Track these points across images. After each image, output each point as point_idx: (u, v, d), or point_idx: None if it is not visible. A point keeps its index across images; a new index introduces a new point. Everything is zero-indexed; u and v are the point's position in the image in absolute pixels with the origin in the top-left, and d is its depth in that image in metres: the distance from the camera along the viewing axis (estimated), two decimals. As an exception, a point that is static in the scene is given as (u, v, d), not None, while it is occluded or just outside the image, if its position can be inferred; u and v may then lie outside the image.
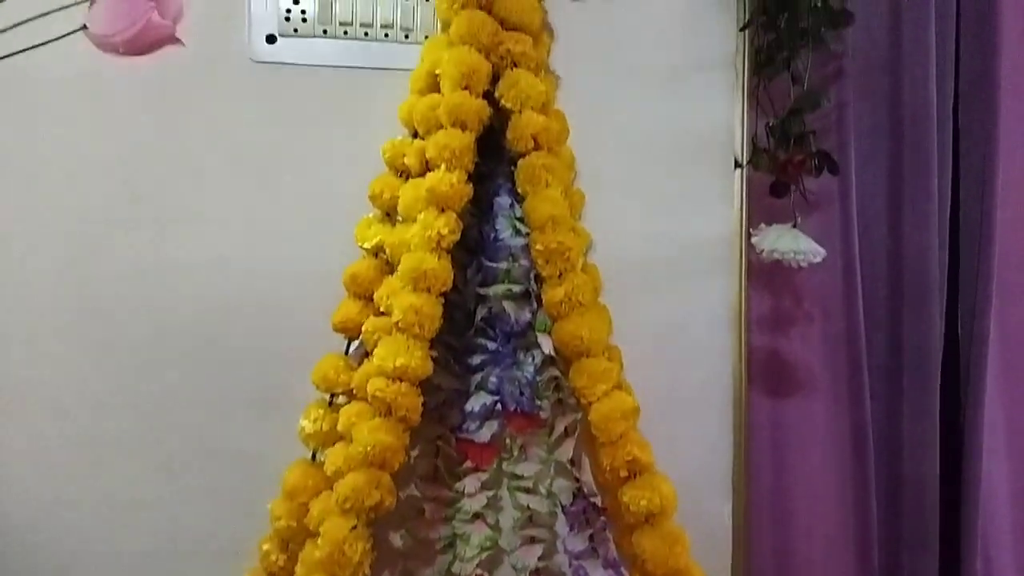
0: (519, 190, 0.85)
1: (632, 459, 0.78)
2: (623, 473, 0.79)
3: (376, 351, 0.78)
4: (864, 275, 1.16)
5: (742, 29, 0.97)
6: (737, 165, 1.01)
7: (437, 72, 0.85)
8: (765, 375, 1.13)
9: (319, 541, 0.72)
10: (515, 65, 0.85)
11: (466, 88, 0.82)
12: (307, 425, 0.84)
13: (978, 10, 1.19)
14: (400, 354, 0.75)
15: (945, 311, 1.18)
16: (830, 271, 1.10)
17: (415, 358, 0.76)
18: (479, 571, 0.87)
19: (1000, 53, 1.19)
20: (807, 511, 1.16)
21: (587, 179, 0.96)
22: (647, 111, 0.98)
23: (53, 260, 0.90)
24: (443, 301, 0.81)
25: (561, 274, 0.82)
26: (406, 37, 0.94)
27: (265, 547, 0.84)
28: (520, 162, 0.84)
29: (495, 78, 0.85)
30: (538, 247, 0.82)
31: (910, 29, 1.16)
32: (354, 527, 0.71)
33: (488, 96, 0.85)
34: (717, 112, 1.00)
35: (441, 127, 0.83)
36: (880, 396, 1.18)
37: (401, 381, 0.75)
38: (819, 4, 0.91)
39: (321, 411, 0.85)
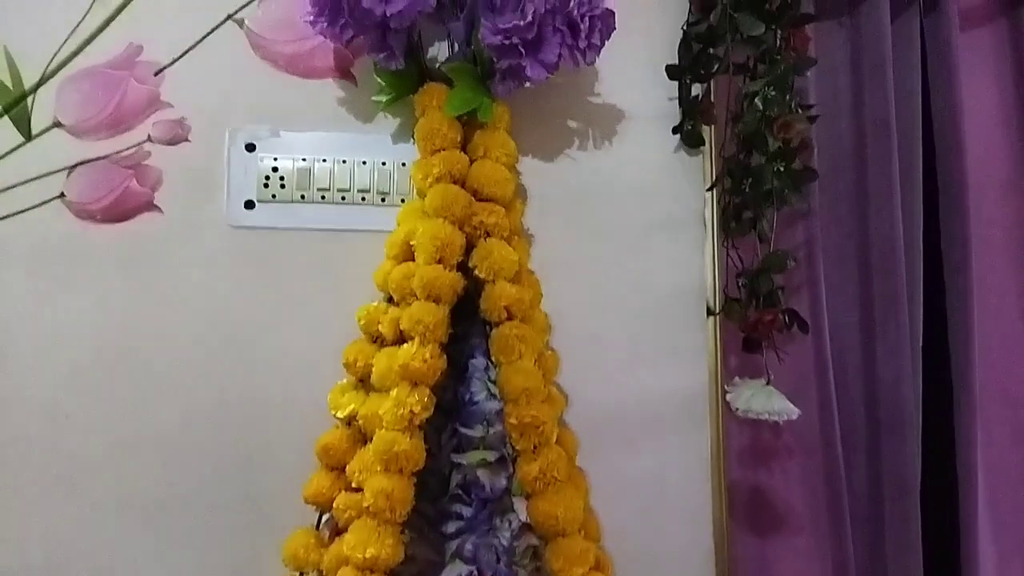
0: (492, 359, 0.86)
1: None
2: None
3: (347, 537, 0.76)
4: (841, 405, 1.17)
5: (709, 189, 1.00)
6: (710, 313, 1.02)
7: (412, 242, 0.86)
8: (747, 513, 1.12)
9: None
10: (488, 235, 0.87)
11: (440, 261, 0.84)
12: (277, 606, 0.82)
13: (945, 137, 1.24)
14: (371, 544, 0.74)
15: (937, 443, 1.19)
16: (807, 405, 1.11)
17: (386, 547, 0.74)
18: None
19: (968, 181, 1.23)
20: None
21: (562, 337, 0.96)
22: (619, 267, 1.00)
23: (26, 427, 0.89)
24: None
25: (535, 448, 0.81)
26: (383, 200, 0.96)
27: None
28: (493, 333, 0.85)
29: (469, 246, 0.87)
30: (512, 421, 0.82)
31: (875, 155, 1.20)
32: None
33: (463, 264, 0.87)
34: (688, 265, 1.02)
35: (415, 297, 0.84)
36: (863, 527, 1.17)
37: (371, 572, 0.74)
38: (782, 169, 0.94)
39: (291, 592, 0.82)
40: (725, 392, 0.99)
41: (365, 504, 0.76)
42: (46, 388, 0.90)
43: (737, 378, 0.99)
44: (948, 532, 1.19)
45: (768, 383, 0.95)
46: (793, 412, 0.92)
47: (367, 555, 0.73)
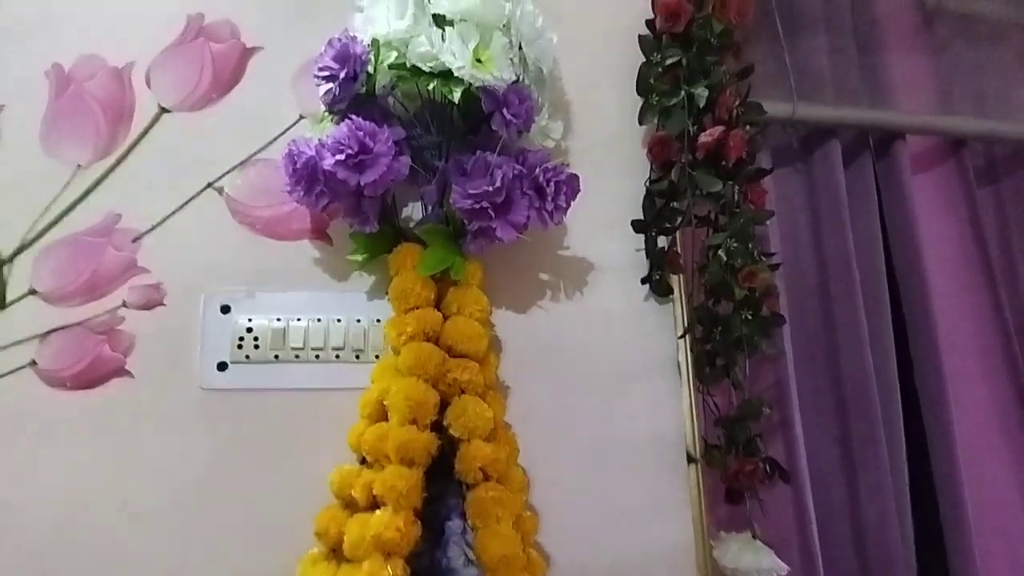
0: (469, 523, 0.83)
1: None
2: None
3: None
4: (827, 548, 1.14)
5: (680, 337, 1.02)
6: (691, 460, 1.01)
7: (386, 402, 0.86)
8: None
9: None
10: (463, 392, 0.87)
11: (414, 422, 0.83)
12: None
13: (908, 274, 1.28)
14: None
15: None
16: (790, 560, 1.07)
17: None
18: None
19: (935, 317, 1.26)
20: None
21: (541, 492, 0.94)
22: (596, 417, 1.00)
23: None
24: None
25: (515, 621, 0.78)
26: (357, 358, 0.96)
27: None
28: (469, 496, 0.83)
29: (444, 403, 0.87)
30: (490, 590, 0.78)
31: (838, 293, 1.24)
32: None
33: (437, 422, 0.86)
34: (665, 413, 1.01)
35: (389, 460, 0.82)
36: None
37: None
38: (750, 316, 0.96)
39: None
40: (711, 546, 0.96)
41: None
42: (15, 558, 0.86)
43: (723, 532, 0.97)
44: None
45: (755, 537, 0.93)
46: (782, 568, 0.90)
47: None
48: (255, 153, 1.00)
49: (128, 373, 0.92)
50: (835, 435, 1.23)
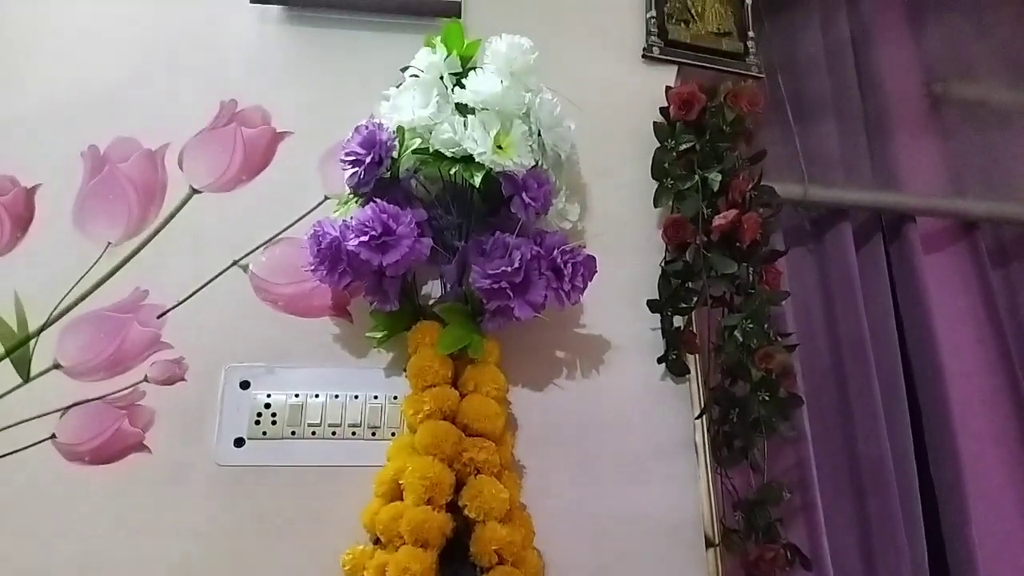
0: (484, 607, 0.82)
1: None
2: None
3: None
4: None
5: (697, 417, 1.01)
6: (709, 544, 0.99)
7: (401, 481, 0.85)
8: None
9: None
10: (478, 472, 0.87)
11: (429, 502, 0.83)
12: None
13: (921, 355, 1.28)
14: None
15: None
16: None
17: None
18: None
19: (950, 396, 1.25)
20: None
21: (556, 575, 0.93)
22: (613, 498, 0.98)
23: None
24: None
25: None
26: (373, 435, 0.97)
27: None
28: (485, 579, 0.82)
29: (459, 483, 0.86)
30: None
31: (853, 373, 1.23)
32: None
33: (452, 502, 0.85)
34: (683, 495, 1.00)
35: (403, 539, 0.81)
36: None
37: None
38: (767, 397, 0.96)
39: None
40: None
41: None
42: None
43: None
44: None
45: (776, 623, 0.90)
46: (805, 658, 0.87)
47: None
48: (280, 232, 1.03)
49: (146, 448, 0.93)
50: (852, 517, 1.20)
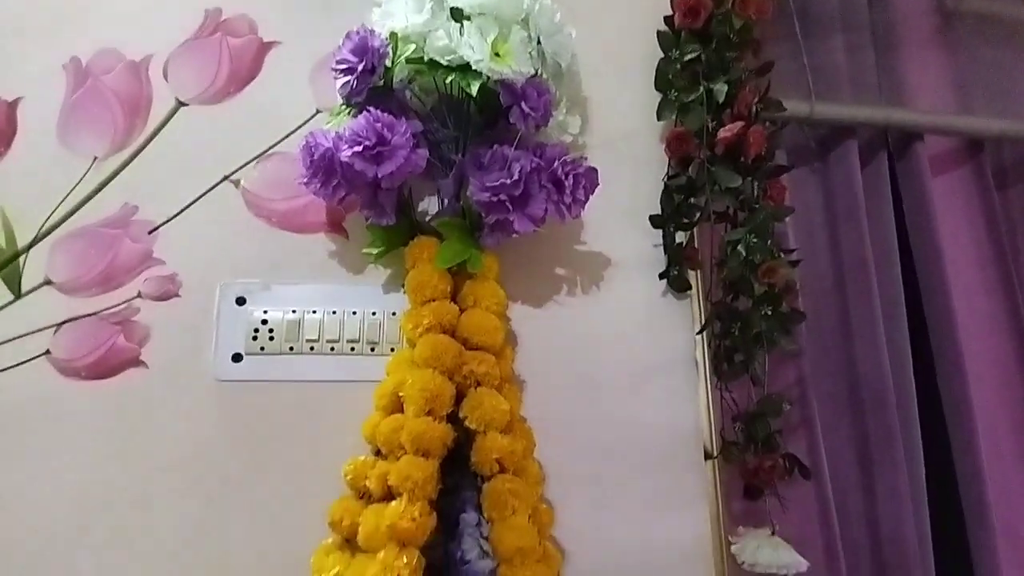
0: (485, 515, 0.82)
1: None
2: None
3: None
4: (844, 548, 1.12)
5: (699, 333, 1.01)
6: (708, 456, 1.00)
7: (401, 394, 0.85)
8: None
9: None
10: (478, 384, 0.86)
11: (430, 413, 0.82)
12: None
13: (928, 276, 1.27)
14: None
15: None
16: (813, 557, 1.06)
17: None
18: None
19: (956, 319, 1.25)
20: None
21: (556, 486, 0.94)
22: (613, 413, 0.99)
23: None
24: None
25: (532, 613, 0.77)
26: (372, 350, 0.96)
27: None
28: (485, 487, 0.82)
29: (460, 396, 0.86)
30: (507, 584, 0.77)
31: (855, 293, 1.22)
32: None
33: (453, 414, 0.85)
34: (683, 408, 1.01)
35: (404, 451, 0.82)
36: None
37: None
38: (769, 312, 0.95)
39: None
40: (729, 542, 0.94)
41: None
42: (30, 545, 0.85)
43: (741, 528, 0.95)
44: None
45: (773, 533, 0.91)
46: (802, 564, 0.88)
47: None
48: (272, 147, 1.00)
49: (143, 364, 0.92)
50: (851, 435, 1.21)
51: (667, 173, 1.04)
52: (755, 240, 0.95)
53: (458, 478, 0.88)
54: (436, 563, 0.85)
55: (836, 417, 1.22)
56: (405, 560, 0.75)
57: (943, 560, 1.17)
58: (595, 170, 0.92)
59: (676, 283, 1.02)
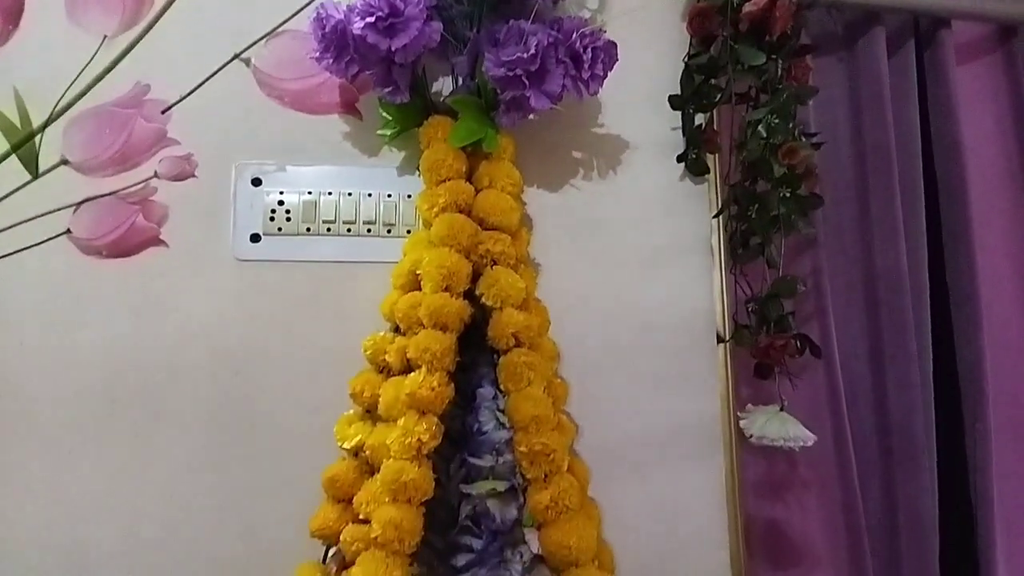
0: (502, 387, 0.84)
1: None
2: None
3: (353, 570, 0.74)
4: (853, 437, 1.15)
5: (715, 216, 1.00)
6: (720, 340, 1.01)
7: (418, 271, 0.86)
8: (765, 547, 1.09)
9: None
10: (494, 263, 0.87)
11: (447, 289, 0.83)
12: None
13: (947, 168, 1.25)
14: (379, 575, 0.72)
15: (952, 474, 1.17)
16: (821, 435, 1.08)
17: (395, 578, 0.72)
18: None
19: (971, 214, 1.23)
20: None
21: (571, 366, 0.95)
22: (627, 296, 0.99)
23: (31, 458, 0.88)
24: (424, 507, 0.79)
25: (546, 476, 0.80)
26: (388, 232, 0.96)
27: None
28: (501, 360, 0.84)
29: (476, 275, 0.87)
30: (522, 448, 0.80)
31: (876, 184, 1.21)
32: None
33: (469, 293, 0.86)
34: (697, 292, 1.01)
35: (422, 326, 0.83)
36: (879, 560, 1.14)
37: (380, 607, 0.71)
38: (788, 194, 0.94)
39: (297, 628, 0.80)
40: (738, 419, 0.97)
41: (373, 535, 0.74)
42: (49, 425, 0.89)
43: (750, 405, 0.97)
44: (966, 564, 1.16)
45: (782, 409, 0.93)
46: (809, 438, 0.90)
47: (375, 588, 0.71)
48: (282, 24, 0.98)
49: (163, 243, 0.93)
50: (864, 326, 1.22)
51: (688, 52, 1.01)
52: (776, 121, 0.93)
53: (475, 356, 0.90)
54: (454, 435, 0.88)
55: (850, 309, 1.22)
56: (425, 426, 0.78)
57: (942, 449, 1.19)
58: (614, 44, 0.90)
59: (694, 167, 1.00)
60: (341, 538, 0.80)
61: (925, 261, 1.24)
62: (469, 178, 0.91)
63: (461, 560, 0.86)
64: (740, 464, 1.00)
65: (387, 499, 0.76)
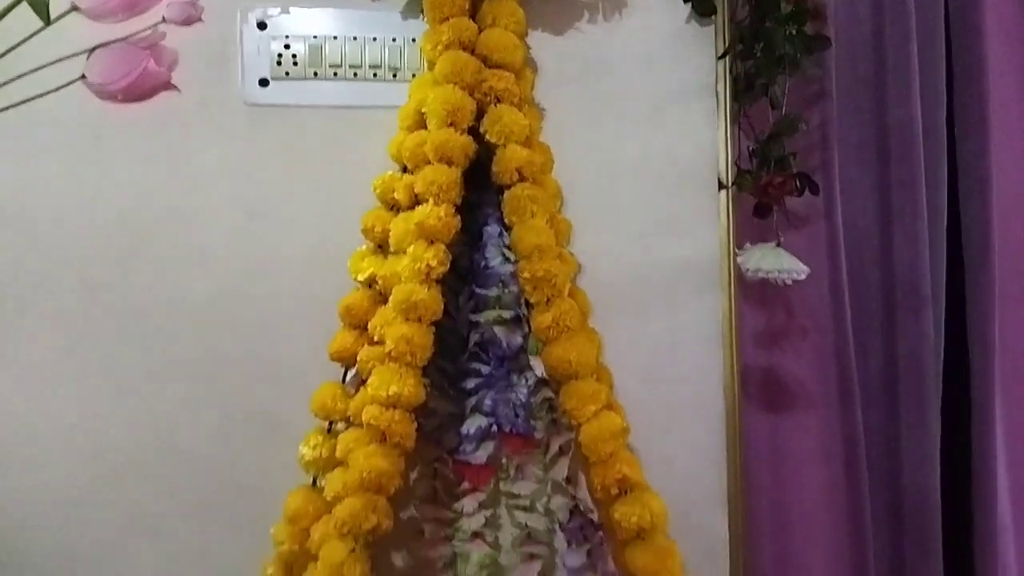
0: (506, 220, 0.88)
1: (622, 477, 0.80)
2: (614, 491, 0.81)
3: (370, 380, 0.80)
4: (858, 290, 1.17)
5: (720, 57, 1.00)
6: (721, 186, 1.03)
7: (423, 110, 0.88)
8: (758, 391, 1.14)
9: (318, 564, 0.74)
10: (498, 101, 0.89)
11: (451, 125, 0.86)
12: (307, 452, 0.87)
13: (965, 19, 1.22)
14: (393, 382, 0.78)
15: (952, 322, 1.20)
16: (818, 288, 1.12)
17: (408, 386, 0.78)
18: (479, 589, 0.89)
19: (987, 61, 1.21)
20: (805, 522, 1.16)
21: (574, 207, 0.98)
22: (631, 138, 1.01)
23: (55, 301, 0.94)
24: (435, 329, 0.84)
25: (548, 300, 0.84)
26: (394, 76, 0.98)
27: (269, 571, 0.86)
28: (506, 194, 0.87)
29: (480, 114, 0.89)
30: (525, 275, 0.85)
31: (893, 43, 1.18)
32: (352, 550, 0.74)
33: (474, 131, 0.88)
34: (700, 137, 1.02)
35: (429, 163, 0.86)
36: (878, 408, 1.19)
37: (395, 408, 0.78)
38: (794, 32, 0.94)
39: (320, 438, 0.87)
40: (736, 257, 1.00)
41: (387, 350, 0.80)
42: (72, 263, 0.94)
43: (748, 243, 1.00)
44: (961, 409, 1.21)
45: (778, 245, 0.96)
46: (803, 270, 0.94)
47: (390, 392, 0.77)
48: None
49: (174, 87, 0.95)
50: (875, 183, 1.22)
51: None
52: (785, -45, 0.92)
53: (481, 195, 0.93)
54: (462, 270, 0.93)
55: (862, 166, 1.22)
56: (433, 253, 0.82)
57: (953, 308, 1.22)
58: None
59: (700, 6, 0.99)
60: (358, 359, 0.87)
61: (943, 114, 1.22)
62: (473, 17, 0.91)
63: (470, 383, 0.93)
64: (738, 303, 1.04)
65: (399, 319, 0.81)
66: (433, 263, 0.82)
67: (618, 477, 0.80)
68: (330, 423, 0.88)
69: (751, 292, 1.08)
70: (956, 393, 1.21)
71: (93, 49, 0.94)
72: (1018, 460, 1.20)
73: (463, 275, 0.93)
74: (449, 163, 0.85)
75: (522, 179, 0.87)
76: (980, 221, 1.23)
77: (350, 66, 0.97)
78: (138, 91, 0.94)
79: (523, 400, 0.92)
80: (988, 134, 1.22)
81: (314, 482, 0.88)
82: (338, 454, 0.83)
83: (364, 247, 0.92)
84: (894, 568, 1.20)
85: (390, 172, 0.92)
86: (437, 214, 0.83)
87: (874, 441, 1.19)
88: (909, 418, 1.17)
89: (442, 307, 0.83)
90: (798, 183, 0.96)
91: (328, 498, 0.81)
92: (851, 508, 1.17)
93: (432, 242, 0.83)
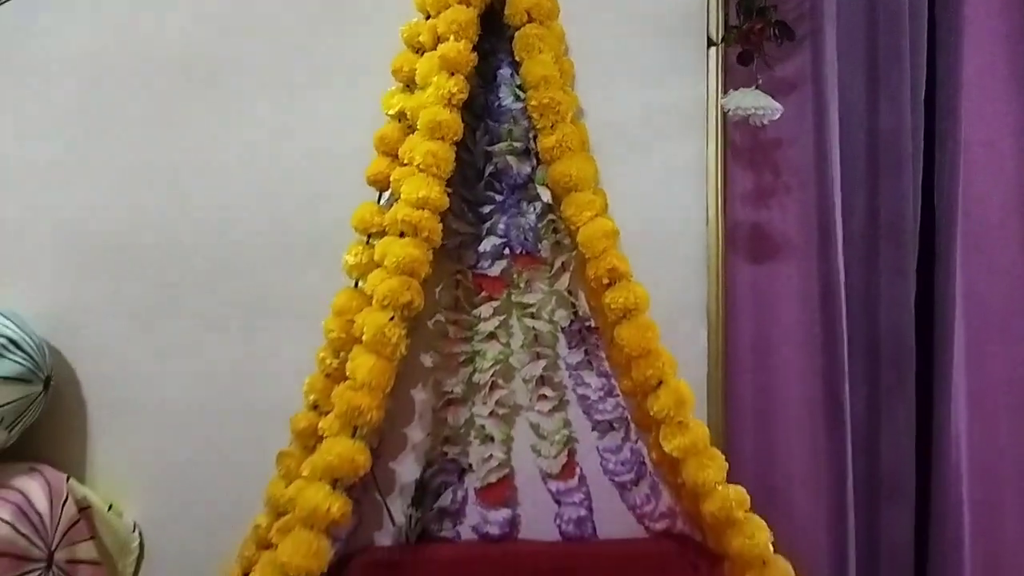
0: (516, 57, 1.01)
1: (612, 268, 0.96)
2: (605, 280, 0.96)
3: (402, 189, 0.95)
4: (844, 152, 1.27)
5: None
6: (711, 43, 1.14)
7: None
8: (744, 240, 1.24)
9: (365, 329, 0.90)
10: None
11: (470, -26, 0.98)
12: (349, 259, 1.02)
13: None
14: (422, 188, 0.93)
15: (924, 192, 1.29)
16: (804, 147, 1.23)
17: (434, 191, 0.93)
18: (494, 379, 1.06)
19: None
20: (783, 354, 1.28)
21: (577, 53, 1.10)
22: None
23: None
24: (455, 153, 0.98)
25: (553, 125, 0.98)
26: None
27: (321, 355, 1.02)
28: (517, 33, 1.00)
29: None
30: (533, 103, 0.98)
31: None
32: (392, 317, 0.90)
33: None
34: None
35: (449, 6, 0.99)
36: (860, 259, 1.29)
37: (423, 209, 0.93)
38: None
39: (360, 247, 1.02)
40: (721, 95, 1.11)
41: (416, 164, 0.94)
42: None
43: (731, 89, 1.12)
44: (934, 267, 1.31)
45: (757, 87, 1.08)
46: (777, 108, 1.05)
47: (420, 195, 0.92)
48: None
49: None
50: (864, 56, 1.28)
51: None
52: None
53: (495, 43, 1.06)
54: (478, 110, 1.07)
55: (851, 34, 1.27)
56: (454, 82, 0.96)
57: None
58: None
59: None
60: (391, 178, 1.01)
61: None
62: None
63: (486, 209, 1.08)
64: (725, 151, 1.16)
65: (426, 138, 0.95)
66: (454, 90, 0.95)
67: (608, 268, 0.95)
68: (368, 235, 1.03)
69: (742, 150, 1.19)
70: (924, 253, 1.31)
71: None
72: (972, 309, 1.32)
73: (479, 114, 1.07)
74: (468, 4, 0.97)
75: (531, 20, 0.99)
76: (949, 96, 1.31)
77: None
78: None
79: (532, 224, 1.07)
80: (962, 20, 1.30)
81: (356, 284, 1.03)
82: (376, 257, 0.98)
83: (394, 87, 1.06)
84: (871, 393, 1.32)
85: (415, 20, 1.04)
86: (457, 48, 0.96)
87: (855, 288, 1.29)
88: (887, 265, 1.28)
89: (462, 130, 0.97)
90: (776, 31, 1.07)
91: (368, 292, 0.96)
92: (827, 342, 1.28)
93: (453, 73, 0.97)
